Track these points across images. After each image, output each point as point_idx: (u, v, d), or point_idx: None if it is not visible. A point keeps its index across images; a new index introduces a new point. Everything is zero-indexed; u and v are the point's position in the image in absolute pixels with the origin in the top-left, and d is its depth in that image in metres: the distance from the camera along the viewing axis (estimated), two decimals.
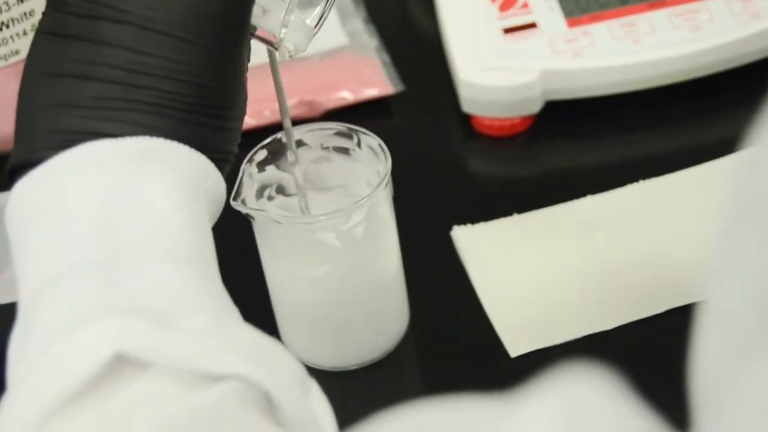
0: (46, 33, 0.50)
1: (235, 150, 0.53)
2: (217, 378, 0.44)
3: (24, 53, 0.83)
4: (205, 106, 0.50)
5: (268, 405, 0.46)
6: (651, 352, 0.70)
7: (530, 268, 0.75)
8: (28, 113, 0.50)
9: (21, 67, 0.82)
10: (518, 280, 0.75)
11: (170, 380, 0.44)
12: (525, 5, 0.85)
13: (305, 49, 0.57)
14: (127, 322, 0.45)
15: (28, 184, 0.49)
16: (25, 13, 0.82)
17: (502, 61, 0.83)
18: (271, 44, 0.56)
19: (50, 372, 0.44)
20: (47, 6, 0.51)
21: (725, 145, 0.80)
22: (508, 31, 0.84)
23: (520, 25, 0.84)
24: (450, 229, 0.78)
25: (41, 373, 0.44)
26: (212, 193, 0.51)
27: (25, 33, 0.83)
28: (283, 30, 0.56)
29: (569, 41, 0.84)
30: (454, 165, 0.85)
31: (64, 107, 0.49)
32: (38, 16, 0.82)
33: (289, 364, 0.48)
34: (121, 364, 0.44)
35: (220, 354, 0.45)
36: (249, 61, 0.54)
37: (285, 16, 0.55)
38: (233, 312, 0.49)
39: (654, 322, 0.71)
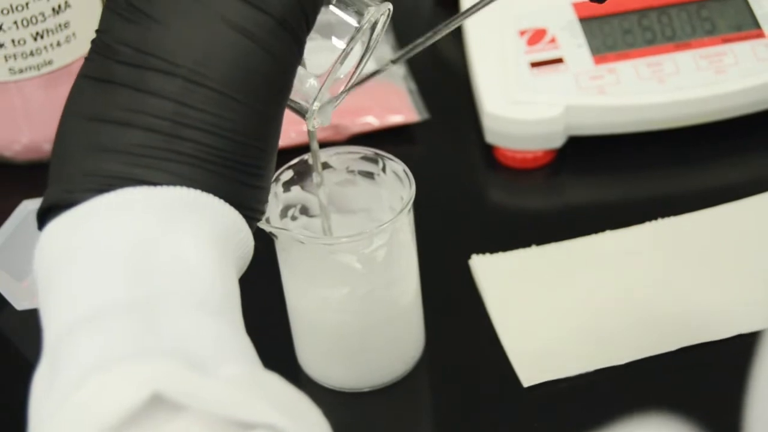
0: (91, 78, 0.51)
1: (265, 209, 0.53)
2: (248, 426, 0.45)
3: (57, 64, 0.84)
4: (243, 164, 0.51)
5: None
6: (662, 389, 0.71)
7: (546, 300, 0.76)
8: (67, 154, 0.50)
9: (53, 78, 0.85)
10: (534, 311, 0.75)
11: (205, 425, 0.44)
12: (552, 40, 0.86)
13: (329, 123, 0.60)
14: (165, 363, 0.45)
15: (60, 225, 0.49)
16: (60, 25, 0.83)
17: (527, 94, 0.84)
18: (300, 113, 0.58)
19: (82, 411, 0.44)
20: (93, 51, 0.51)
21: (746, 187, 0.81)
22: (535, 65, 0.85)
23: (547, 59, 0.85)
24: (468, 257, 0.79)
25: (73, 410, 0.44)
26: (242, 249, 0.51)
27: (59, 44, 0.84)
28: (316, 104, 0.58)
29: (595, 78, 0.84)
30: (475, 195, 0.86)
31: (104, 152, 0.49)
32: (73, 28, 0.84)
33: (316, 416, 0.48)
34: (156, 405, 0.44)
35: (255, 403, 0.45)
36: None
37: (321, 90, 0.57)
38: (258, 364, 0.49)
39: (666, 359, 0.72)
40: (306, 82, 0.57)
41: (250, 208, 0.52)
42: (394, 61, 0.65)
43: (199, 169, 0.50)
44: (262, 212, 0.53)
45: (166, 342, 0.46)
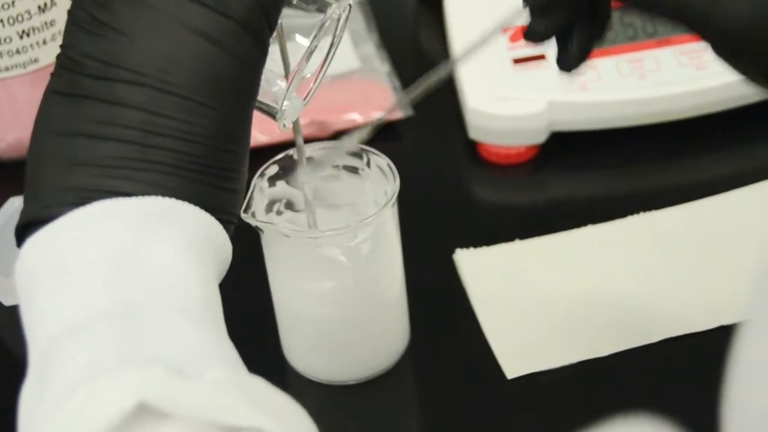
0: (59, 93, 0.51)
1: (239, 213, 0.54)
2: (235, 430, 0.45)
3: (43, 62, 0.85)
4: (216, 168, 0.51)
5: None
6: (643, 380, 0.72)
7: (529, 293, 0.77)
8: (40, 171, 0.50)
9: (39, 76, 0.85)
10: (517, 305, 0.76)
11: (191, 431, 0.44)
12: None
13: (295, 119, 0.61)
14: (149, 372, 0.45)
15: (40, 239, 0.49)
16: (45, 23, 0.84)
17: (510, 90, 0.85)
18: (270, 114, 0.59)
19: (71, 422, 0.44)
20: (59, 66, 0.51)
21: (726, 182, 0.82)
22: (517, 61, 0.86)
23: (529, 56, 0.86)
24: (452, 252, 0.79)
25: (62, 423, 0.44)
26: (220, 254, 0.52)
27: (44, 42, 0.84)
28: (286, 103, 0.58)
29: (577, 74, 0.85)
30: (458, 190, 0.87)
31: (77, 165, 0.49)
32: (59, 26, 0.84)
33: (302, 418, 0.48)
34: (142, 414, 0.44)
35: (240, 406, 0.45)
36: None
37: (288, 90, 0.57)
38: (242, 367, 0.49)
39: (648, 351, 0.73)
40: (274, 84, 0.57)
41: (226, 212, 0.52)
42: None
43: (172, 176, 0.50)
44: (237, 216, 0.53)
45: (150, 350, 0.46)
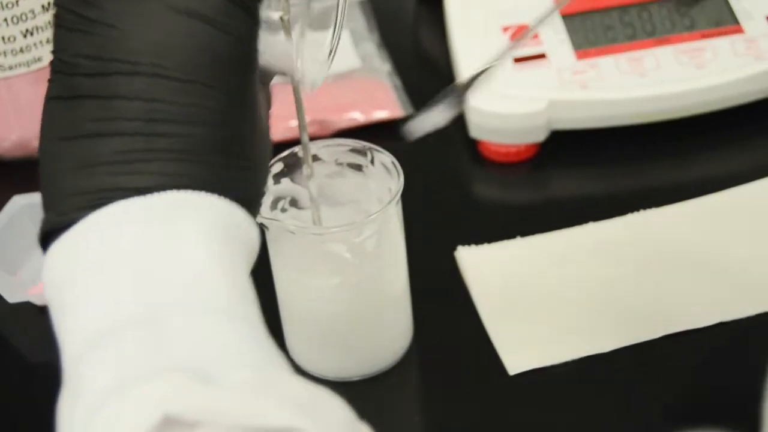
0: (57, 98, 0.50)
1: (263, 191, 0.53)
2: (266, 431, 0.44)
3: (46, 61, 0.85)
4: (226, 147, 0.50)
5: None
6: (645, 376, 0.72)
7: (531, 290, 0.77)
8: (52, 178, 0.50)
9: (42, 74, 0.85)
10: (518, 301, 0.77)
11: None
12: (535, 36, 0.87)
13: (321, 82, 0.59)
14: (172, 381, 0.45)
15: (60, 248, 0.49)
16: (49, 22, 0.84)
17: (510, 89, 0.86)
18: (295, 79, 0.58)
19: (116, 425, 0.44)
20: (53, 72, 0.51)
21: (726, 180, 0.83)
22: (518, 60, 0.87)
23: (530, 55, 0.87)
24: (454, 249, 0.80)
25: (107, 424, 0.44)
26: (245, 239, 0.51)
27: (48, 41, 0.85)
28: (308, 64, 0.57)
29: (577, 73, 0.86)
30: (460, 188, 0.87)
31: (88, 167, 0.49)
32: None
33: (336, 410, 0.47)
34: (170, 425, 0.44)
35: (268, 407, 0.45)
36: (270, 106, 0.55)
37: (296, 54, 0.56)
38: (276, 358, 0.49)
39: (650, 347, 0.73)
40: (285, 50, 0.56)
41: (245, 191, 0.51)
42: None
43: (183, 162, 0.49)
44: (260, 196, 0.53)
45: (173, 355, 0.46)
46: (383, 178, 0.70)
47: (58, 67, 0.50)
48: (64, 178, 0.50)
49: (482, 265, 0.79)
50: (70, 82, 0.50)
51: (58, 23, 0.50)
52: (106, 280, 0.48)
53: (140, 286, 0.47)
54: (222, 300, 0.48)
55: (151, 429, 0.43)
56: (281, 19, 0.55)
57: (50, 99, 0.51)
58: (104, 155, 0.49)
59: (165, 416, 0.44)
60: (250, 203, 0.52)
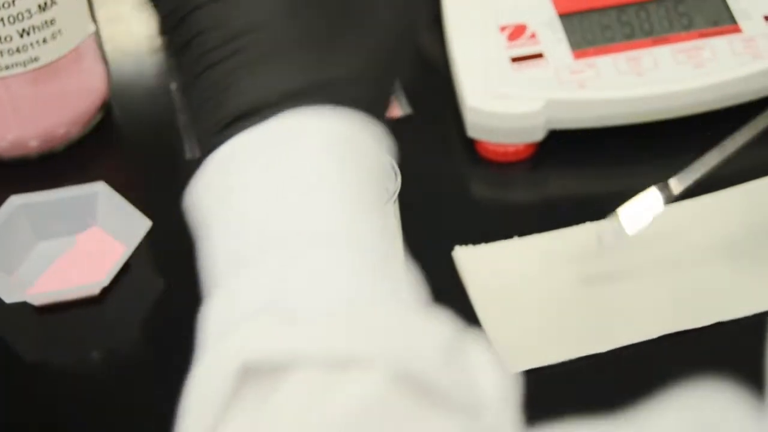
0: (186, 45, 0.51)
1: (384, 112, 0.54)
2: (357, 364, 0.44)
3: (43, 61, 0.85)
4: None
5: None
6: (643, 375, 0.72)
7: (528, 290, 0.77)
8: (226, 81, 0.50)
9: (39, 74, 0.85)
10: (516, 301, 0.77)
11: (313, 377, 0.44)
12: (533, 36, 0.87)
13: None
14: (257, 326, 0.45)
15: (218, 159, 0.50)
16: (46, 21, 0.84)
17: (508, 89, 0.86)
18: None
19: (206, 378, 0.45)
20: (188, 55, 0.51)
21: (724, 179, 0.82)
22: (515, 60, 0.87)
23: (527, 54, 0.87)
24: (452, 249, 0.80)
25: (197, 383, 0.45)
26: (369, 153, 0.52)
27: (45, 41, 0.84)
28: None
29: (575, 72, 0.86)
30: (457, 188, 0.87)
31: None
32: (59, 25, 0.84)
33: (430, 332, 0.47)
34: (257, 370, 0.44)
35: (355, 341, 0.44)
36: None
37: None
38: (392, 290, 0.49)
39: (648, 346, 0.73)
40: None
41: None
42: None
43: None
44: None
45: (267, 296, 0.46)
46: None
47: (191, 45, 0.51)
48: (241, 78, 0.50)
49: (480, 265, 0.79)
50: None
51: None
52: (241, 205, 0.48)
53: (267, 215, 0.48)
54: (337, 224, 0.48)
55: (236, 377, 0.44)
56: None
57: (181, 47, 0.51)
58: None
59: (244, 365, 0.44)
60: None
